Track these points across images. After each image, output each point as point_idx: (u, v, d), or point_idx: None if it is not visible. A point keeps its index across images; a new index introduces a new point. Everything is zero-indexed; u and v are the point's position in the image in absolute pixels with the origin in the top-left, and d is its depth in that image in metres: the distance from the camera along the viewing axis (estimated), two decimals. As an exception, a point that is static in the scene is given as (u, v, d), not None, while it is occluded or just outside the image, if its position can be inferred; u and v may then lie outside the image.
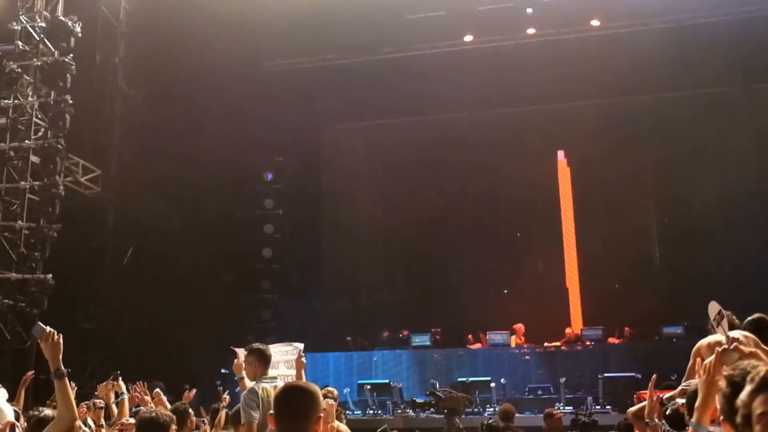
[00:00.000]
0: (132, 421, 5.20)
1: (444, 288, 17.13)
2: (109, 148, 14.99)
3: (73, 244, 13.28)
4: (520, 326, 14.93)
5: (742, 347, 2.45)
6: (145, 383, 6.55)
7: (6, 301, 11.83)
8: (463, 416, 11.66)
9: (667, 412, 3.91)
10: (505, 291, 17.01)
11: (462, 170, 17.21)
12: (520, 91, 16.18)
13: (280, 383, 5.17)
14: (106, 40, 14.95)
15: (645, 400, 4.17)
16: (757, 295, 12.75)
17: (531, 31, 15.90)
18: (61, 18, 12.67)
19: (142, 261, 14.91)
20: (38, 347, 3.68)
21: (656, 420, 3.96)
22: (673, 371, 7.54)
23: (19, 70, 12.54)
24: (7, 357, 11.77)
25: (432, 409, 12.52)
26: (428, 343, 15.05)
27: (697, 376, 2.62)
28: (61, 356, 3.61)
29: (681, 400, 3.62)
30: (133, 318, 14.48)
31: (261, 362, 5.67)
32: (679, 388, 3.92)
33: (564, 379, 13.03)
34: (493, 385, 13.19)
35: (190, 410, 6.01)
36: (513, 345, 14.71)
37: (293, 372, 7.11)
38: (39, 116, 12.57)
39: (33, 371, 8.35)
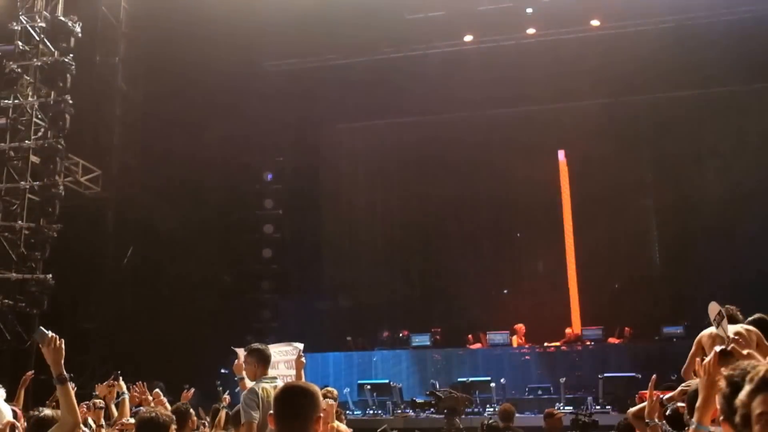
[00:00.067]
0: (132, 421, 5.20)
1: (444, 288, 17.13)
2: (109, 148, 14.99)
3: (73, 244, 13.28)
4: (520, 326, 14.93)
5: (738, 349, 2.45)
6: (145, 383, 6.55)
7: (6, 301, 11.84)
8: (463, 416, 11.66)
9: (668, 413, 3.91)
10: (505, 291, 17.00)
11: (462, 170, 17.21)
12: (520, 91, 16.17)
13: (280, 383, 5.16)
14: (106, 40, 14.95)
15: (646, 400, 4.17)
16: (758, 295, 12.75)
17: (531, 31, 15.90)
18: (61, 18, 12.68)
19: (142, 261, 14.91)
20: (38, 347, 3.69)
21: (656, 420, 3.96)
22: (673, 371, 7.52)
23: (19, 70, 12.55)
24: (7, 357, 11.78)
25: (432, 409, 12.52)
26: (428, 343, 15.05)
27: (696, 376, 2.62)
28: (62, 361, 3.60)
29: (682, 404, 3.63)
30: (133, 318, 14.47)
31: (260, 362, 5.66)
32: (679, 389, 3.92)
33: (564, 379, 13.03)
34: (493, 385, 13.19)
35: (192, 410, 6.01)
36: (514, 345, 14.71)
37: (293, 372, 7.11)
38: (39, 116, 12.58)
39: (33, 371, 8.36)
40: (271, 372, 5.94)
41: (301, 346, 7.75)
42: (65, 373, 3.59)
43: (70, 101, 12.40)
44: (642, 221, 16.84)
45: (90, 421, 6.15)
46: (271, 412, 2.94)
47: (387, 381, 13.82)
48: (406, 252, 17.76)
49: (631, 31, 15.38)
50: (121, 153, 15.07)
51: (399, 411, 13.25)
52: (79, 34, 12.79)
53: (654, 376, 4.24)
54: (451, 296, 16.92)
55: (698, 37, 14.83)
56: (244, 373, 6.02)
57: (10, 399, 7.60)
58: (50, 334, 3.60)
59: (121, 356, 12.92)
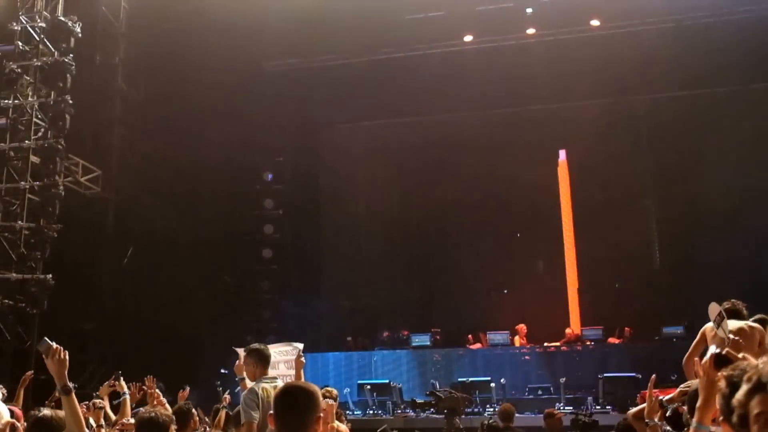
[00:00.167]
0: (132, 421, 5.20)
1: (444, 288, 17.13)
2: (109, 148, 14.97)
3: (73, 244, 13.27)
4: (522, 327, 14.93)
5: (732, 353, 2.45)
6: (155, 378, 6.54)
7: (6, 301, 11.83)
8: (463, 416, 11.66)
9: (668, 414, 3.91)
10: (505, 291, 17.00)
11: (462, 170, 17.21)
12: (520, 91, 16.18)
13: (280, 383, 5.16)
14: (106, 40, 14.93)
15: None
16: (758, 295, 12.75)
17: (531, 31, 15.90)
18: (61, 18, 12.67)
19: (142, 261, 14.90)
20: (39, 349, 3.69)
21: (656, 420, 3.96)
22: (673, 371, 7.54)
23: (19, 70, 12.54)
24: (7, 357, 11.77)
25: (432, 409, 12.53)
26: (428, 343, 15.05)
27: (696, 374, 2.62)
28: (66, 372, 3.60)
29: (682, 405, 3.62)
30: (133, 318, 14.46)
31: (260, 363, 5.66)
32: (678, 389, 3.92)
33: (564, 379, 13.04)
34: (493, 385, 13.19)
35: (194, 410, 6.02)
36: (516, 345, 14.71)
37: (293, 372, 7.11)
38: (39, 116, 12.57)
39: (32, 371, 8.37)
40: (271, 372, 5.94)
41: (300, 346, 7.75)
42: (69, 384, 3.59)
43: (70, 101, 12.39)
44: (642, 221, 16.84)
45: (91, 421, 6.14)
46: (271, 412, 2.94)
47: (387, 381, 13.83)
48: (406, 252, 17.77)
49: (631, 31, 15.38)
50: (121, 153, 15.06)
51: (399, 411, 13.26)
52: (79, 34, 12.78)
53: (653, 376, 4.24)
54: (451, 296, 16.93)
55: (698, 37, 14.83)
56: (245, 373, 6.02)
57: (10, 399, 7.61)
58: (54, 345, 3.60)
59: (121, 356, 12.91)
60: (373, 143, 17.92)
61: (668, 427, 4.01)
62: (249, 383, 5.79)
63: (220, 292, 16.78)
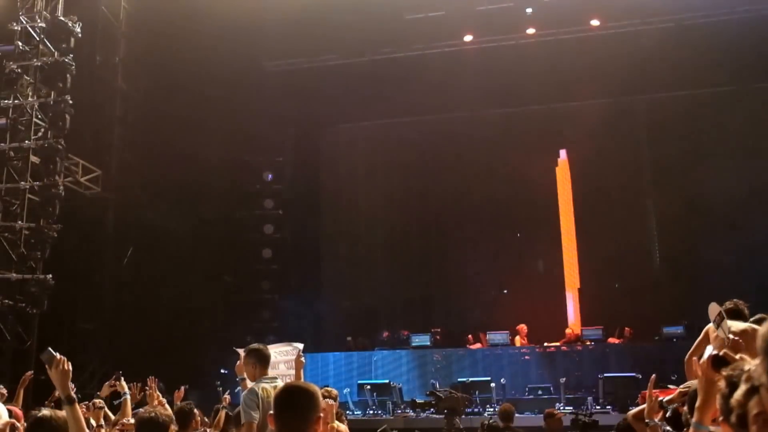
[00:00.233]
0: (133, 421, 5.20)
1: (444, 288, 17.13)
2: (109, 148, 14.98)
3: (73, 244, 13.28)
4: (522, 327, 14.92)
5: (730, 354, 2.45)
6: (157, 379, 6.55)
7: (6, 301, 11.83)
8: (463, 416, 11.66)
9: (668, 415, 3.91)
10: (505, 291, 17.00)
11: (461, 170, 17.22)
12: (519, 91, 16.18)
13: (280, 383, 5.16)
14: (106, 40, 14.94)
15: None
16: (758, 295, 12.75)
17: (531, 31, 15.90)
18: (61, 18, 12.67)
19: (142, 261, 14.91)
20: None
21: (656, 420, 3.96)
22: (673, 371, 7.54)
23: (19, 70, 12.54)
24: (7, 357, 11.77)
25: (432, 409, 12.52)
26: (428, 343, 15.04)
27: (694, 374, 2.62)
28: (69, 382, 3.62)
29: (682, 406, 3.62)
30: (133, 318, 14.47)
31: (259, 363, 5.66)
32: (678, 390, 3.91)
33: (564, 379, 13.04)
34: (493, 385, 13.19)
35: (196, 411, 6.02)
36: (517, 345, 14.71)
37: (293, 372, 7.11)
38: (39, 116, 12.57)
39: (32, 371, 8.37)
40: (271, 372, 5.93)
41: (300, 346, 7.75)
42: (73, 394, 3.60)
43: (70, 101, 12.39)
44: (642, 221, 16.85)
45: (92, 421, 6.15)
46: (271, 412, 2.94)
47: (387, 381, 13.82)
48: (406, 252, 17.76)
49: (631, 30, 15.38)
50: (121, 153, 15.06)
51: (399, 411, 13.25)
52: (79, 34, 12.79)
53: (653, 376, 4.24)
54: (451, 296, 16.94)
55: (698, 37, 14.83)
56: (245, 373, 6.02)
57: (9, 399, 7.62)
58: (58, 355, 3.62)
59: (121, 356, 12.92)
60: (373, 143, 17.93)
61: (668, 428, 4.01)
62: (249, 383, 5.79)
63: (220, 292, 16.77)
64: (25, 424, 4.63)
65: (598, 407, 12.26)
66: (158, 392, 6.71)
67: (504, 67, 15.84)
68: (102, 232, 14.74)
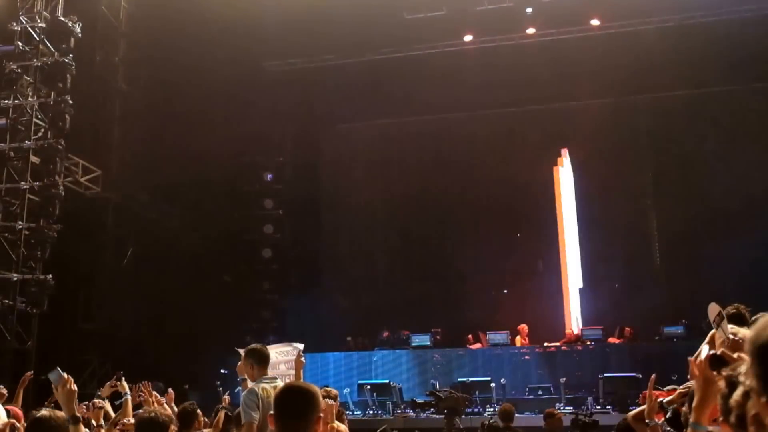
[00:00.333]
0: (133, 421, 5.20)
1: (444, 288, 17.12)
2: (109, 148, 14.99)
3: (73, 244, 13.28)
4: (523, 327, 14.91)
5: (728, 353, 2.45)
6: (150, 383, 6.55)
7: (6, 301, 11.83)
8: (463, 416, 11.65)
9: (668, 416, 3.91)
10: (505, 291, 16.99)
11: (462, 170, 17.22)
12: (519, 91, 16.18)
13: (280, 383, 5.16)
14: (106, 40, 14.94)
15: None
16: (758, 295, 12.74)
17: (531, 30, 15.89)
18: (61, 18, 12.68)
19: (142, 261, 14.91)
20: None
21: (656, 420, 3.96)
22: (674, 371, 7.53)
23: (19, 70, 12.55)
24: (7, 357, 11.78)
25: (432, 410, 12.51)
26: (428, 343, 15.04)
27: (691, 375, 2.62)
28: (75, 402, 3.64)
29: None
30: (133, 318, 14.47)
31: (258, 363, 5.65)
32: (678, 391, 3.92)
33: (564, 379, 13.03)
34: (493, 385, 13.18)
35: (198, 411, 6.02)
36: (518, 345, 14.70)
37: (293, 372, 7.10)
38: (39, 117, 12.58)
39: (32, 371, 8.37)
40: (271, 372, 5.93)
41: (301, 346, 7.73)
42: (77, 413, 3.63)
43: (70, 101, 12.40)
44: (642, 221, 16.84)
45: (92, 421, 6.15)
46: (271, 412, 2.94)
47: (387, 381, 13.82)
48: (406, 252, 17.76)
49: (631, 30, 15.38)
50: (121, 153, 15.07)
51: (399, 411, 13.25)
52: (79, 35, 12.79)
53: (653, 376, 4.24)
54: (451, 296, 16.92)
55: (698, 36, 14.83)
56: (246, 374, 6.01)
57: (9, 399, 7.62)
58: (65, 375, 3.64)
59: (121, 356, 12.92)
60: (373, 143, 17.92)
61: (669, 428, 4.01)
62: (250, 383, 5.79)
63: (220, 292, 16.77)
64: (25, 425, 4.64)
65: (598, 407, 12.25)
66: (156, 393, 6.71)
67: (504, 67, 15.84)
68: (102, 232, 14.74)
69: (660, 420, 4.00)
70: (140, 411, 5.05)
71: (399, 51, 16.34)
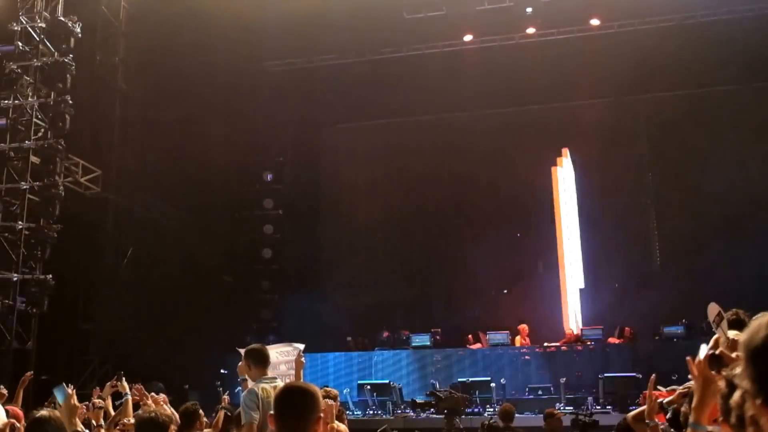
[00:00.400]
0: (133, 421, 5.21)
1: (444, 288, 17.12)
2: (109, 148, 14.99)
3: (73, 244, 13.28)
4: (524, 327, 14.91)
5: (727, 353, 2.45)
6: (142, 384, 6.55)
7: (6, 301, 11.84)
8: (463, 416, 11.65)
9: (668, 416, 3.91)
10: (505, 291, 16.99)
11: (462, 170, 17.21)
12: (519, 91, 16.18)
13: (280, 383, 5.17)
14: (106, 40, 14.95)
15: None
16: (758, 295, 12.75)
17: (531, 30, 15.90)
18: (61, 18, 12.68)
19: (142, 261, 14.91)
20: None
21: (656, 420, 3.96)
22: (674, 371, 7.53)
23: (19, 70, 12.55)
24: (7, 357, 11.78)
25: (432, 410, 12.51)
26: (428, 343, 15.03)
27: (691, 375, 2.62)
28: (76, 417, 3.66)
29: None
30: (133, 318, 14.48)
31: (255, 364, 5.65)
32: (677, 391, 3.91)
33: (564, 379, 13.02)
34: (493, 385, 13.18)
35: (201, 411, 6.02)
36: (518, 345, 14.69)
37: (293, 372, 7.10)
38: (39, 117, 12.58)
39: (32, 372, 8.37)
40: (272, 373, 5.93)
41: (301, 346, 7.74)
42: (79, 428, 3.64)
43: (70, 101, 12.40)
44: (642, 221, 16.84)
45: (92, 421, 6.15)
46: (272, 412, 2.95)
47: (387, 381, 13.81)
48: (406, 252, 17.76)
49: (631, 30, 15.38)
50: (121, 153, 15.06)
51: (399, 411, 13.25)
52: (79, 35, 12.80)
53: (653, 376, 4.24)
54: (451, 296, 16.93)
55: (699, 35, 14.83)
56: (246, 374, 6.02)
57: (9, 399, 7.62)
58: (70, 390, 3.66)
59: (121, 356, 12.93)
60: (373, 143, 17.92)
61: (670, 428, 4.01)
62: (250, 384, 5.79)
63: (220, 292, 16.77)
64: (25, 425, 4.64)
65: (598, 407, 12.25)
66: (154, 394, 6.71)
67: (504, 67, 15.85)
68: (102, 232, 14.74)
69: (661, 421, 4.00)
70: (140, 411, 5.05)
71: (399, 51, 16.35)
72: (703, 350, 2.57)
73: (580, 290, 16.15)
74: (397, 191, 17.77)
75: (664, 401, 3.98)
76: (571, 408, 12.06)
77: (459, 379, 13.64)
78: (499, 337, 14.74)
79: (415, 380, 14.58)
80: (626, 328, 14.49)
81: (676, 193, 16.33)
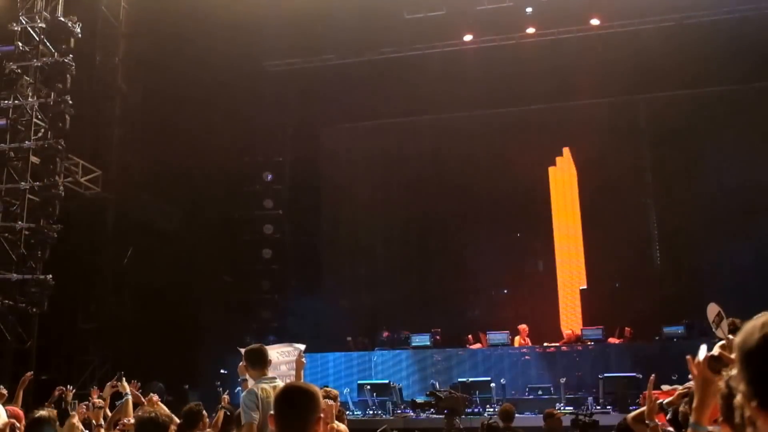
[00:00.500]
0: (133, 421, 5.21)
1: (444, 288, 17.12)
2: (108, 148, 14.99)
3: (73, 244, 13.29)
4: (524, 327, 14.90)
5: (725, 354, 2.45)
6: (139, 383, 6.56)
7: (6, 301, 11.84)
8: (463, 416, 11.66)
9: (668, 417, 3.91)
10: (505, 291, 17.00)
11: (462, 170, 17.21)
12: (519, 91, 16.18)
13: (280, 383, 5.17)
14: (106, 40, 14.95)
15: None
16: (758, 295, 12.75)
17: (530, 30, 15.90)
18: (61, 18, 12.68)
19: (142, 261, 14.92)
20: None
21: (656, 421, 3.96)
22: (674, 371, 7.54)
23: (19, 70, 12.56)
24: (7, 357, 11.78)
25: (432, 410, 12.51)
26: (428, 343, 15.03)
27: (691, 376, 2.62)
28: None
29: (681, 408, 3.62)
30: (133, 318, 14.48)
31: (253, 364, 5.65)
32: (677, 392, 3.92)
33: (564, 379, 13.02)
34: (493, 385, 13.18)
35: (204, 412, 6.02)
36: (517, 345, 14.69)
37: (294, 373, 7.11)
38: (39, 117, 12.59)
39: (32, 372, 8.38)
40: (272, 373, 5.93)
41: (302, 347, 7.74)
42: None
43: (70, 102, 12.41)
44: (642, 221, 16.84)
45: (92, 421, 6.16)
46: (272, 412, 2.95)
47: (387, 381, 13.82)
48: (406, 252, 17.76)
49: (631, 30, 15.38)
50: (121, 153, 15.07)
51: (399, 411, 13.25)
52: (79, 35, 12.80)
53: (653, 376, 4.24)
54: (451, 296, 16.92)
55: (699, 35, 14.81)
56: (247, 374, 6.02)
57: (9, 399, 7.62)
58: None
59: (121, 356, 12.94)
60: (373, 143, 17.92)
61: (669, 428, 4.02)
62: (251, 383, 5.80)
63: (220, 292, 16.78)
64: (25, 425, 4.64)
65: (598, 407, 12.25)
66: (152, 394, 6.72)
67: (504, 67, 15.84)
68: (102, 232, 14.75)
69: (662, 421, 4.00)
70: (140, 411, 5.05)
71: (399, 51, 16.35)
72: (703, 350, 2.57)
73: (581, 290, 16.16)
74: (397, 191, 17.78)
75: (664, 402, 3.99)
76: (571, 408, 12.06)
77: (459, 379, 13.64)
78: (499, 337, 14.73)
79: (415, 380, 14.58)
80: (626, 328, 14.49)
81: (676, 193, 16.32)
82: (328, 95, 16.91)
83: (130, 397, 6.22)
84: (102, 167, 14.56)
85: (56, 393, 8.27)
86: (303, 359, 6.39)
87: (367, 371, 14.76)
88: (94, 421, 5.96)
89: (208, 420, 7.23)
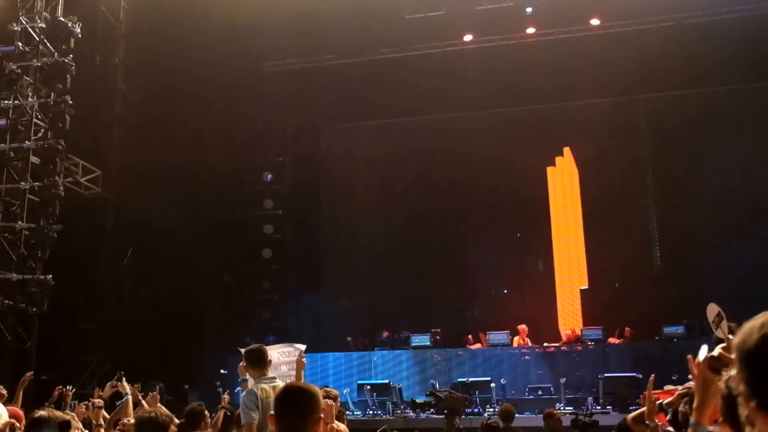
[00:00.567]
0: (133, 421, 5.21)
1: (444, 288, 17.11)
2: (109, 148, 14.99)
3: (73, 244, 13.29)
4: (523, 327, 14.90)
5: (725, 354, 2.45)
6: (139, 385, 6.56)
7: (6, 301, 11.84)
8: (463, 416, 11.65)
9: (668, 417, 3.91)
10: (505, 291, 16.99)
11: (462, 170, 17.22)
12: (519, 91, 16.18)
13: (280, 384, 5.17)
14: (106, 40, 14.95)
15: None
16: (758, 295, 12.75)
17: (531, 30, 15.90)
18: (61, 19, 12.69)
19: (142, 261, 14.92)
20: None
21: (656, 421, 3.96)
22: (674, 371, 7.54)
23: (19, 70, 12.56)
24: (8, 357, 11.78)
25: (432, 410, 12.51)
26: (428, 343, 15.03)
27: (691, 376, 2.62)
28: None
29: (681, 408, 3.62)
30: (133, 318, 14.48)
31: (252, 365, 5.65)
32: (677, 392, 3.92)
33: (564, 379, 13.02)
34: (493, 385, 13.17)
35: (206, 412, 6.03)
36: (516, 345, 14.69)
37: (294, 373, 7.11)
38: (39, 117, 12.59)
39: (32, 372, 8.38)
40: (273, 374, 5.94)
41: (302, 347, 7.75)
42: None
43: (70, 102, 12.41)
44: (642, 221, 16.84)
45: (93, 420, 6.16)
46: (272, 412, 2.95)
47: (387, 381, 13.82)
48: (406, 252, 17.74)
49: (631, 30, 15.38)
50: (121, 153, 15.07)
51: (399, 411, 13.24)
52: (79, 35, 12.80)
53: (652, 376, 4.24)
54: (451, 296, 16.91)
55: (699, 35, 14.83)
56: (247, 374, 6.03)
57: (9, 399, 7.62)
58: None
59: (121, 356, 12.93)
60: (373, 143, 17.92)
61: (669, 428, 4.02)
62: (251, 384, 5.80)
63: (220, 292, 16.78)
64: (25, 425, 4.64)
65: (598, 407, 12.25)
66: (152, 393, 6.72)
67: (504, 67, 15.85)
68: (102, 232, 14.75)
69: (662, 422, 4.00)
70: (140, 411, 5.05)
71: (399, 51, 16.35)
72: (704, 350, 2.57)
73: (581, 290, 16.16)
74: (397, 191, 17.77)
75: (664, 402, 3.98)
76: (571, 408, 12.06)
77: (459, 379, 13.64)
78: (499, 337, 14.73)
79: (415, 380, 14.58)
80: (626, 328, 14.49)
81: (676, 193, 16.32)
82: (328, 95, 16.92)
83: (130, 397, 6.22)
84: (102, 167, 14.56)
85: (56, 393, 8.28)
86: (303, 359, 6.40)
87: (367, 371, 14.76)
88: (94, 421, 5.97)
89: (209, 420, 7.24)
